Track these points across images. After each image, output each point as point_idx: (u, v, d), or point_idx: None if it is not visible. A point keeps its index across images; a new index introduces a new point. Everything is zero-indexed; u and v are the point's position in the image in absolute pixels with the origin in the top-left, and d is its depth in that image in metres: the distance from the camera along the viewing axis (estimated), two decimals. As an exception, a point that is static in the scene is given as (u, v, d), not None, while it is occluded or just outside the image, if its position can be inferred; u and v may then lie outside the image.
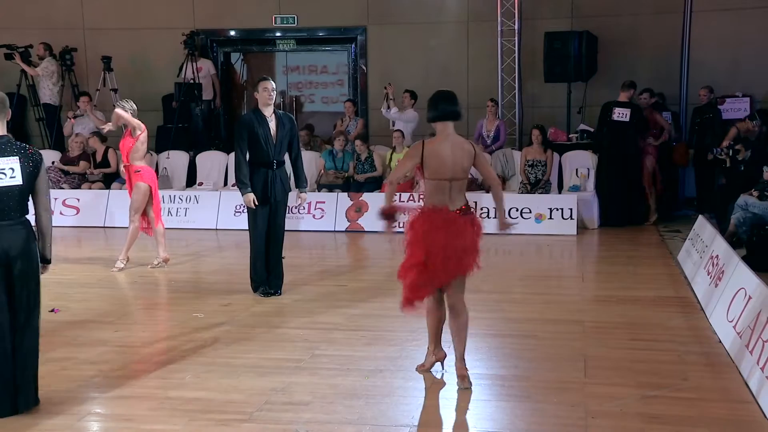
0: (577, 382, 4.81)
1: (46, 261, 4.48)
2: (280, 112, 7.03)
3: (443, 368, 5.02)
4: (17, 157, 4.19)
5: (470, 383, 4.72)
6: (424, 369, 5.01)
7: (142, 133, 8.07)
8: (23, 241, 4.22)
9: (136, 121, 8.03)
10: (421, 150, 4.68)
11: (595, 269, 8.71)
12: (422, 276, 4.59)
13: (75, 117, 12.17)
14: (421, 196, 4.76)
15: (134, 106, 8.17)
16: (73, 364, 5.18)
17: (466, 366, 4.78)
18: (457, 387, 4.74)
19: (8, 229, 4.18)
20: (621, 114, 10.56)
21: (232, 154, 12.49)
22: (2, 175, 4.13)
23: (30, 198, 4.31)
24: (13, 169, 4.16)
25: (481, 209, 10.45)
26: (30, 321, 4.32)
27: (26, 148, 4.28)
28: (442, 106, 4.79)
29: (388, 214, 4.71)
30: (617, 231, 10.37)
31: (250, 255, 7.02)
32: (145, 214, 8.26)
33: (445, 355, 5.04)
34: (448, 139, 4.74)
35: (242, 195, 6.82)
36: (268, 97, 6.79)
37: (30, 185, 4.24)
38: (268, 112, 6.83)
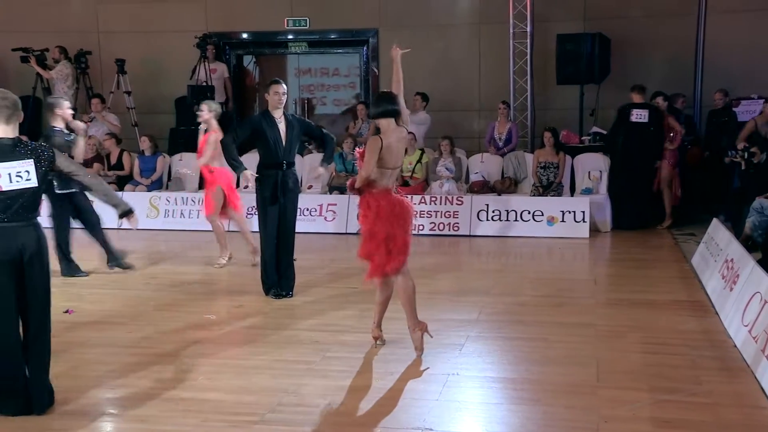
0: (589, 385, 4.79)
1: (128, 210, 4.63)
2: (290, 114, 7.07)
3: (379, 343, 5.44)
4: (32, 160, 4.22)
5: (429, 334, 5.35)
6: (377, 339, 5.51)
7: (211, 134, 8.13)
8: (35, 242, 4.26)
9: (215, 123, 8.16)
10: (380, 144, 5.15)
11: (607, 272, 8.67)
12: (387, 250, 5.15)
13: (90, 120, 12.23)
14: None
15: (218, 107, 8.30)
16: (87, 365, 5.20)
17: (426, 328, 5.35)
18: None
19: (21, 229, 4.21)
20: (640, 115, 10.49)
21: (245, 156, 12.58)
22: (18, 178, 4.16)
23: (42, 198, 4.35)
24: (28, 172, 4.19)
25: (493, 212, 10.44)
26: (42, 321, 4.34)
27: (38, 147, 4.31)
28: (385, 105, 5.30)
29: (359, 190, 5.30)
30: (630, 234, 10.32)
31: (260, 257, 7.04)
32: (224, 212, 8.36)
33: (381, 335, 5.48)
34: (394, 133, 5.26)
35: (240, 174, 6.87)
36: (278, 100, 6.83)
37: (43, 185, 4.28)
38: (278, 114, 6.87)
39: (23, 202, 4.20)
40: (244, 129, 6.93)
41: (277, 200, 6.84)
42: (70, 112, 7.79)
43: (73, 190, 7.64)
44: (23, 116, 4.36)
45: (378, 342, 5.55)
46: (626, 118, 10.59)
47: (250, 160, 7.69)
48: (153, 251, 9.05)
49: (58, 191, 7.64)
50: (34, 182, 4.21)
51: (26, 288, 4.26)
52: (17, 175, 4.15)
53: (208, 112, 8.14)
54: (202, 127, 8.36)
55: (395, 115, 5.29)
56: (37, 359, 4.33)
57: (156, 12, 13.32)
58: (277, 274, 6.98)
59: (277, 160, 6.83)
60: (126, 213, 4.69)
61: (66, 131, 7.64)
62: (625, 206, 10.63)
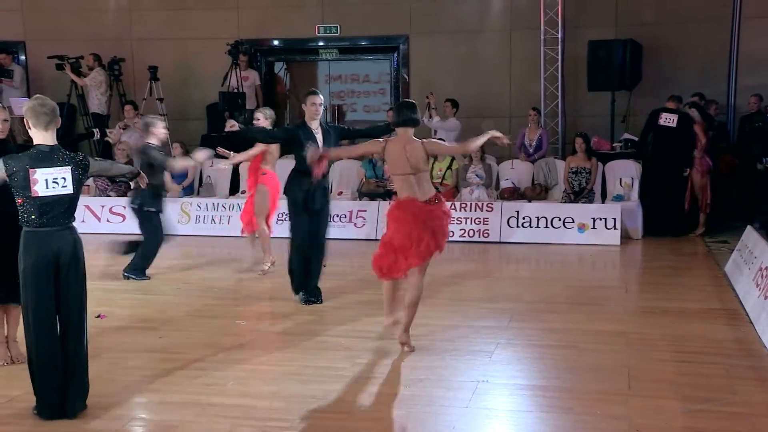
0: (620, 394, 4.73)
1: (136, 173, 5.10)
2: (325, 123, 7.12)
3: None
4: (69, 167, 4.29)
5: (413, 347, 5.52)
6: (389, 324, 5.67)
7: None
8: (71, 246, 4.32)
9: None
10: (382, 146, 5.47)
11: (639, 280, 8.59)
12: (389, 255, 5.40)
13: (125, 128, 12.40)
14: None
15: (272, 114, 8.37)
16: (119, 370, 5.26)
17: (410, 337, 5.56)
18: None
19: (57, 234, 4.28)
20: (668, 119, 10.40)
21: (276, 163, 12.62)
22: (54, 185, 4.23)
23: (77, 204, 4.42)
24: (65, 179, 4.26)
25: (523, 218, 10.39)
26: (79, 325, 4.40)
27: (75, 156, 4.39)
28: (406, 114, 5.48)
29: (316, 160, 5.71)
30: (662, 241, 10.20)
31: (288, 261, 7.07)
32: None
33: (397, 321, 5.60)
34: (405, 141, 5.46)
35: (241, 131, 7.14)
36: (315, 111, 6.88)
37: (78, 192, 4.34)
38: (315, 125, 6.92)
39: (59, 209, 4.27)
40: (280, 132, 7.25)
41: (308, 208, 6.85)
42: (165, 132, 8.16)
43: (160, 209, 7.98)
44: (60, 122, 4.42)
45: (405, 348, 5.56)
46: (655, 121, 10.50)
47: (284, 166, 7.77)
48: (184, 257, 9.12)
49: (146, 209, 7.90)
50: (70, 189, 4.28)
51: (62, 292, 4.31)
52: (54, 182, 4.22)
53: (264, 119, 8.17)
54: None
55: (414, 124, 5.49)
56: (74, 363, 4.38)
57: (188, 19, 13.48)
58: (306, 280, 6.98)
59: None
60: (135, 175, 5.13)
61: (160, 147, 8.03)
62: (655, 213, 10.51)
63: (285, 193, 7.03)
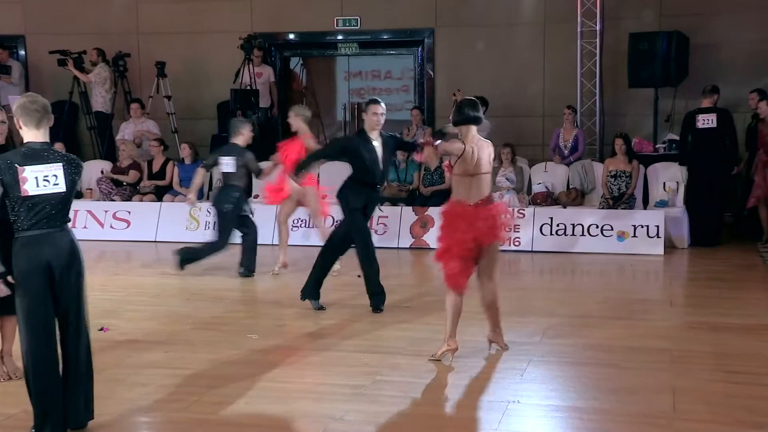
0: (664, 417, 4.68)
1: None
2: (385, 134, 7.21)
3: (451, 360, 5.56)
4: (61, 164, 4.31)
5: (506, 346, 5.86)
6: (434, 358, 5.61)
7: (306, 138, 8.62)
8: (66, 249, 4.33)
9: (305, 127, 8.69)
10: (464, 146, 5.56)
11: (684, 292, 8.51)
12: (454, 262, 5.54)
13: (140, 144, 12.55)
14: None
15: (306, 111, 8.94)
16: (122, 386, 5.28)
17: (502, 333, 5.85)
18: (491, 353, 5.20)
19: (50, 237, 4.28)
20: (706, 120, 10.32)
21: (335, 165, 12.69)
22: (45, 183, 4.25)
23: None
24: (56, 176, 4.27)
25: (557, 226, 10.34)
26: (78, 331, 4.41)
27: (68, 154, 4.44)
28: (467, 112, 5.63)
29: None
30: (710, 251, 10.11)
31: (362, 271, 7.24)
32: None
33: (457, 347, 5.61)
34: (472, 140, 5.63)
35: (294, 180, 7.57)
36: (377, 121, 6.99)
37: (72, 191, 4.37)
38: (375, 135, 7.04)
39: (51, 209, 4.28)
40: (335, 150, 7.44)
41: (366, 216, 7.16)
42: (251, 134, 8.97)
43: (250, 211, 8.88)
44: (53, 120, 4.46)
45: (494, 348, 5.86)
46: (692, 124, 10.41)
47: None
48: (193, 266, 9.14)
49: (239, 211, 8.71)
50: (62, 187, 4.29)
51: (58, 298, 4.33)
52: (45, 179, 4.23)
53: (294, 116, 8.66)
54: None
55: (477, 122, 5.65)
56: (76, 372, 4.39)
57: (198, 12, 13.56)
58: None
59: (373, 180, 7.08)
60: None
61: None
62: (702, 220, 10.40)
63: (339, 199, 7.16)
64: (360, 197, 7.03)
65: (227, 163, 8.64)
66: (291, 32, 13.75)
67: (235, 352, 5.99)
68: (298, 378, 5.42)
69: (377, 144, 7.01)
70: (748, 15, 11.71)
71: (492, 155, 5.77)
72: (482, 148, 5.64)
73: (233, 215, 8.61)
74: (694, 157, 10.51)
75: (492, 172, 5.83)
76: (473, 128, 5.64)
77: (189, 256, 8.66)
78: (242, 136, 8.78)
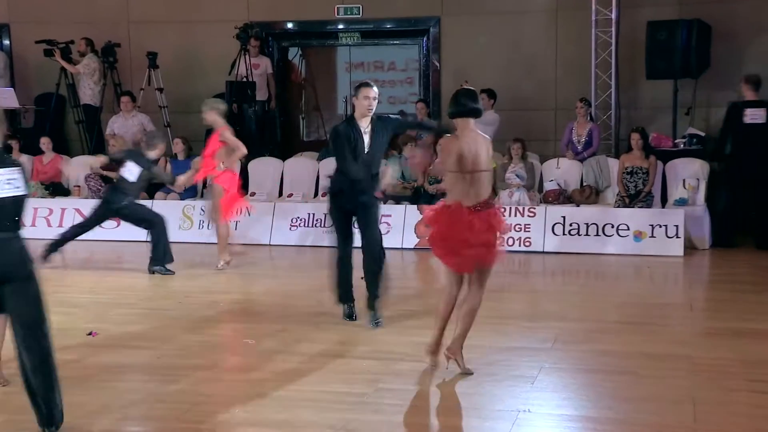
0: (684, 428, 4.68)
1: None
2: (376, 119, 6.82)
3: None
4: (19, 168, 4.41)
5: (468, 369, 5.49)
6: (430, 351, 5.61)
7: (223, 131, 8.98)
8: (17, 255, 4.39)
9: (221, 120, 9.05)
10: (458, 145, 5.39)
11: (705, 296, 8.52)
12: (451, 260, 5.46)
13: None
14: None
15: (218, 103, 9.32)
16: (112, 394, 5.27)
17: (462, 353, 5.51)
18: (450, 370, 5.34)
19: (6, 243, 4.35)
20: (755, 116, 10.22)
21: (289, 161, 12.65)
22: (8, 185, 4.33)
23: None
24: (15, 179, 4.37)
25: (570, 225, 10.33)
26: (36, 338, 4.42)
27: (16, 159, 4.60)
28: (464, 103, 5.55)
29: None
30: (732, 252, 10.11)
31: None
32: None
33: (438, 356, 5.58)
34: (471, 135, 5.51)
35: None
36: (368, 106, 6.66)
37: (25, 196, 4.46)
38: (365, 123, 6.70)
39: (5, 214, 4.34)
40: (343, 144, 6.66)
41: (346, 211, 6.77)
42: (164, 149, 9.62)
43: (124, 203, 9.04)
44: (8, 128, 4.58)
45: (452, 365, 5.56)
46: (738, 119, 10.31)
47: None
48: (186, 266, 9.16)
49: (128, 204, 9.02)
50: (22, 190, 4.39)
51: (15, 302, 4.38)
52: (8, 182, 4.33)
53: (208, 111, 8.99)
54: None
55: (476, 114, 5.56)
56: (37, 379, 4.41)
57: (192, 0, 13.57)
58: (351, 296, 6.95)
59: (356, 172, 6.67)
60: None
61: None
62: (733, 220, 10.34)
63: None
64: (336, 184, 6.80)
65: (131, 171, 8.89)
66: (289, 21, 13.76)
67: (231, 359, 5.99)
68: (298, 385, 5.41)
69: (366, 134, 6.66)
70: (774, 2, 11.69)
71: (490, 152, 5.60)
72: (480, 144, 5.49)
73: (106, 211, 9.09)
74: (736, 155, 10.36)
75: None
76: (471, 121, 5.52)
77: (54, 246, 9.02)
78: (158, 150, 9.27)
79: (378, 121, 6.85)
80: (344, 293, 6.96)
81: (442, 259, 5.55)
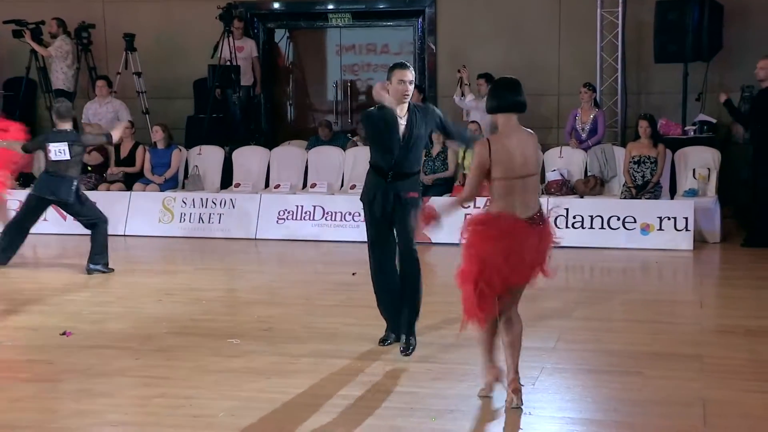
0: (694, 431, 4.70)
1: None
2: (416, 107, 6.29)
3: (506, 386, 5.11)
4: None
5: (521, 401, 4.98)
6: (485, 393, 5.19)
7: None
8: None
9: None
10: (488, 149, 4.93)
11: (716, 293, 8.55)
12: (478, 290, 4.88)
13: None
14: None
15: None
16: (87, 398, 5.28)
17: (521, 381, 5.05)
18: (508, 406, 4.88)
19: None
20: None
21: (276, 150, 12.61)
22: None
23: None
24: None
25: (574, 218, 10.36)
26: None
27: None
28: (505, 96, 5.14)
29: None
30: (745, 247, 10.11)
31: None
32: None
33: (501, 371, 5.17)
34: (515, 133, 5.06)
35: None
36: (404, 91, 6.06)
37: None
38: (402, 111, 6.13)
39: None
40: (374, 128, 6.22)
41: (384, 214, 6.20)
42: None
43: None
44: None
45: (514, 401, 5.04)
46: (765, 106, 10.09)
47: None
48: (167, 262, 9.16)
49: (33, 192, 9.01)
50: None
51: None
52: None
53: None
54: None
55: (520, 109, 5.12)
56: None
57: (172, -22, 13.55)
58: (395, 312, 6.34)
59: (385, 168, 6.18)
60: None
61: None
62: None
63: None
64: (369, 190, 6.22)
65: (60, 150, 8.74)
66: (276, 1, 13.73)
67: (215, 359, 6.00)
68: (288, 388, 5.42)
69: (402, 122, 6.12)
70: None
71: (539, 151, 5.15)
72: (527, 143, 5.03)
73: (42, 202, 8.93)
74: (759, 144, 10.21)
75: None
76: (515, 117, 5.05)
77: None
78: (70, 122, 9.09)
79: (418, 110, 6.28)
80: (390, 318, 6.38)
81: (471, 303, 4.93)
